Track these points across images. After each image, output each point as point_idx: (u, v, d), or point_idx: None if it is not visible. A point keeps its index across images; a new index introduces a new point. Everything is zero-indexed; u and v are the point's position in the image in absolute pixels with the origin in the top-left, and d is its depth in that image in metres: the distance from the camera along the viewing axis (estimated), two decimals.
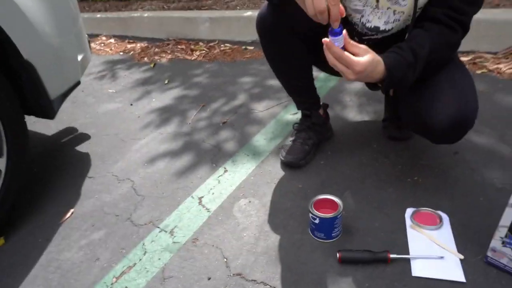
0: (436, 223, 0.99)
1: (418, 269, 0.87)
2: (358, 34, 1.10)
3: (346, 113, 1.65)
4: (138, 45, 3.21)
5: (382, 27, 1.04)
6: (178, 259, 1.00)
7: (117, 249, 1.06)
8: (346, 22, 1.10)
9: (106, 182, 1.38)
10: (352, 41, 0.86)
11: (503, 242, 0.81)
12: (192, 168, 1.40)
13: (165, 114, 1.89)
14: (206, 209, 1.17)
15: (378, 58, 0.88)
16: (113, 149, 1.60)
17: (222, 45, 2.90)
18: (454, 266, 0.87)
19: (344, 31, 0.83)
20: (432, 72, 0.98)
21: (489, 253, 0.85)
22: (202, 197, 1.23)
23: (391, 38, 1.07)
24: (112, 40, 3.44)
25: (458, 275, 0.85)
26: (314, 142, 1.36)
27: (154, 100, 2.08)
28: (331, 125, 1.47)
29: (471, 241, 0.94)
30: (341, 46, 0.83)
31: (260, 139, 1.53)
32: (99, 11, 4.28)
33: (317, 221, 0.96)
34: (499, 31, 2.04)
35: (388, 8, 1.00)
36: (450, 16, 0.92)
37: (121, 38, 3.50)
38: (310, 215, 0.98)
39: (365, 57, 0.85)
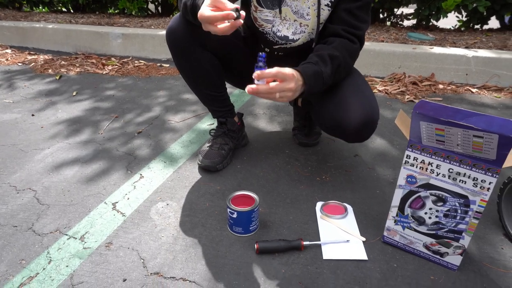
0: (342, 212, 1.09)
1: (328, 253, 0.95)
2: (270, 42, 1.20)
3: (260, 123, 1.74)
4: (41, 57, 2.97)
5: (290, 37, 1.16)
6: (90, 265, 0.93)
7: (15, 260, 0.95)
8: (258, 32, 1.20)
9: (0, 193, 1.23)
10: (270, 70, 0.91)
11: (395, 221, 0.93)
12: (104, 175, 1.33)
13: (74, 125, 1.77)
14: (121, 213, 1.12)
15: (296, 72, 0.97)
16: (10, 160, 1.44)
17: (136, 61, 2.85)
18: (358, 248, 0.97)
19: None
20: (340, 78, 1.11)
21: (385, 233, 0.97)
22: (117, 202, 1.17)
23: (299, 48, 1.20)
24: (8, 51, 3.12)
25: (362, 255, 0.94)
26: (230, 147, 1.40)
27: (60, 111, 1.93)
28: (246, 133, 1.54)
29: (371, 226, 1.05)
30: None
31: (177, 147, 1.53)
32: None
33: (235, 215, 0.99)
34: (385, 60, 2.38)
35: (294, 20, 1.13)
36: (348, 31, 1.08)
37: (20, 49, 3.21)
38: (228, 210, 1.01)
39: (288, 71, 0.93)
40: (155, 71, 2.62)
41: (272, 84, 0.91)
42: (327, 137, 1.57)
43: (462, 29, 3.05)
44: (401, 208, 0.91)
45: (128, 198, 1.19)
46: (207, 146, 1.39)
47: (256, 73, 0.89)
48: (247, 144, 1.53)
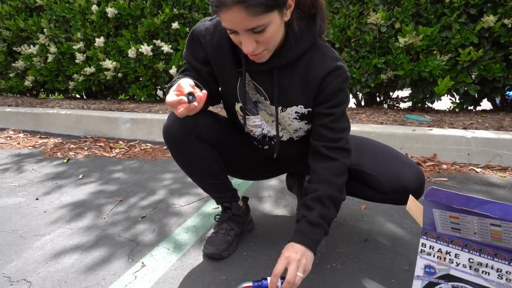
0: None
1: None
2: (260, 142, 1.26)
3: (265, 206, 1.72)
4: (51, 140, 3.07)
5: (278, 135, 1.22)
6: None
7: None
8: (249, 136, 1.30)
9: None
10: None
11: None
12: (105, 264, 1.27)
13: (77, 209, 1.75)
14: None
15: (288, 247, 1.02)
16: (8, 247, 1.40)
17: (143, 144, 2.92)
18: None
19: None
20: (340, 199, 1.11)
21: None
22: None
23: (286, 144, 1.25)
24: (20, 135, 3.23)
25: None
26: (236, 233, 1.36)
27: (65, 194, 1.93)
28: (252, 217, 1.51)
29: None
30: None
31: (181, 232, 1.48)
32: (10, 105, 4.08)
33: None
34: (386, 142, 2.44)
35: (272, 121, 1.19)
36: (328, 147, 1.10)
37: (32, 133, 3.32)
38: None
39: (279, 262, 0.97)
40: (161, 154, 2.67)
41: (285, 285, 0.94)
42: (335, 221, 1.53)
43: (457, 110, 3.17)
44: None
45: None
46: (213, 232, 1.36)
47: None
48: (253, 229, 1.49)
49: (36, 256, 1.33)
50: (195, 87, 1.00)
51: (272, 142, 1.25)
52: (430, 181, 2.00)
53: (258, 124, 1.22)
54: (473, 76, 2.91)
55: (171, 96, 0.96)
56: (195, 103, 0.94)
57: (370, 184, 1.21)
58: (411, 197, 0.91)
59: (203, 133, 1.19)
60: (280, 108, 1.13)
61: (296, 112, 1.13)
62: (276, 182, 2.03)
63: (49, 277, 1.20)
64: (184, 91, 0.96)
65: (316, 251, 1.02)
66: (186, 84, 0.98)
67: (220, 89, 1.25)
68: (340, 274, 1.18)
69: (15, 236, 1.48)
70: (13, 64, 4.58)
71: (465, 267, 0.77)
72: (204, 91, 0.96)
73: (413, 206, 0.89)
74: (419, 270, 0.83)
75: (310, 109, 1.12)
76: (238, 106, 1.20)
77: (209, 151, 1.24)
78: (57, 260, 1.30)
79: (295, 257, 0.95)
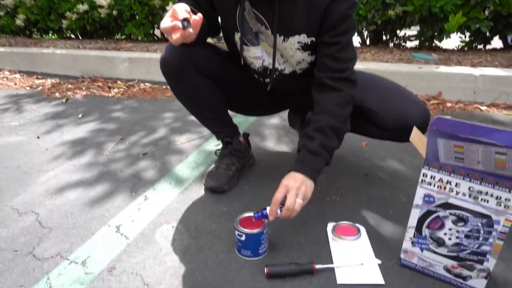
0: (355, 234, 1.05)
1: (342, 277, 0.90)
2: (261, 75, 1.21)
3: (267, 144, 1.72)
4: (49, 81, 3.01)
5: (279, 67, 1.17)
6: None
7: (13, 287, 0.90)
8: (249, 69, 1.24)
9: (2, 216, 1.20)
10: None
11: (412, 242, 0.88)
12: (108, 197, 1.30)
13: (79, 146, 1.75)
14: (125, 237, 1.08)
15: (288, 176, 0.99)
16: (13, 182, 1.42)
17: (142, 84, 2.87)
18: (373, 271, 0.92)
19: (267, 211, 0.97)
20: (343, 130, 1.07)
21: (402, 255, 0.92)
22: (120, 225, 1.13)
23: (292, 80, 1.20)
24: (17, 75, 3.17)
25: (378, 279, 0.89)
26: (237, 167, 1.37)
27: (65, 133, 1.93)
28: (253, 153, 1.51)
29: (386, 248, 1.00)
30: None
31: (183, 168, 1.50)
32: (3, 45, 3.95)
33: (243, 238, 0.95)
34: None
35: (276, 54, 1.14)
36: (333, 78, 1.04)
37: (28, 73, 3.25)
38: (236, 232, 0.96)
39: (279, 190, 0.96)
40: (161, 93, 2.63)
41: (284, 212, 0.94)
42: (335, 157, 1.53)
43: (465, 49, 3.05)
44: (418, 229, 0.86)
45: (132, 221, 1.15)
46: (214, 167, 1.36)
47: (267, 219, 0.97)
48: (254, 164, 1.50)
49: (41, 190, 1.36)
50: (190, 13, 0.94)
51: (274, 76, 1.20)
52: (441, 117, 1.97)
53: (259, 55, 1.17)
54: (486, 12, 2.76)
55: (166, 22, 0.91)
56: (190, 30, 0.90)
57: (373, 120, 1.19)
58: (415, 128, 0.90)
59: (201, 65, 1.15)
60: (282, 38, 1.08)
61: (298, 42, 1.07)
62: (278, 120, 2.02)
63: (56, 209, 1.23)
64: (179, 17, 0.91)
65: (316, 180, 1.01)
66: (181, 9, 0.92)
67: (219, 18, 1.18)
68: (339, 206, 1.21)
69: (19, 172, 1.50)
70: (1, 2, 4.36)
71: (465, 195, 0.77)
72: (200, 15, 0.90)
73: (417, 137, 0.88)
74: (418, 199, 0.84)
75: (313, 39, 1.06)
76: (237, 36, 1.14)
77: (207, 84, 1.20)
78: (62, 194, 1.33)
79: (294, 185, 0.95)
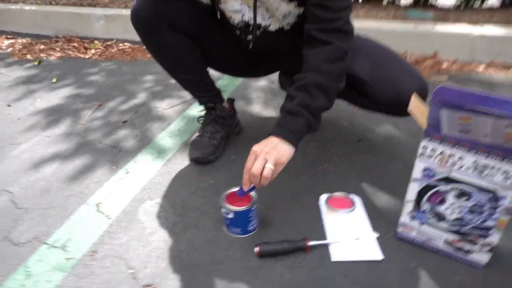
0: (350, 206, 1.00)
1: (337, 254, 0.86)
2: (243, 31, 1.10)
3: (254, 108, 1.63)
4: (19, 41, 2.79)
5: (262, 23, 1.05)
6: (73, 278, 0.83)
7: None
8: (228, 25, 1.12)
9: None
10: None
11: (411, 216, 0.84)
12: (87, 172, 1.22)
13: (53, 115, 1.63)
14: (106, 216, 1.01)
15: (262, 141, 0.90)
16: None
17: (120, 44, 2.68)
18: (371, 246, 0.88)
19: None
20: (333, 88, 0.94)
21: (399, 229, 0.88)
22: (100, 203, 1.06)
23: (274, 40, 1.08)
24: None
25: (375, 254, 0.85)
26: (222, 136, 1.29)
27: (38, 100, 1.79)
28: (239, 120, 1.43)
29: (382, 220, 0.96)
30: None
31: (165, 137, 1.41)
32: None
33: (230, 215, 0.89)
34: (384, 39, 2.25)
35: (258, 7, 1.01)
36: (322, 29, 0.91)
37: None
38: (223, 210, 0.90)
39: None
40: (141, 54, 2.47)
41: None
42: (326, 121, 1.46)
43: (462, 7, 2.90)
44: (417, 203, 0.81)
45: (114, 198, 1.08)
46: (197, 136, 1.28)
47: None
48: (240, 131, 1.42)
49: (15, 165, 1.27)
50: None
51: (257, 33, 1.09)
52: (429, 80, 1.89)
53: (238, 9, 1.04)
54: None
55: None
56: None
57: (364, 92, 1.07)
58: (414, 96, 0.82)
59: (176, 21, 1.03)
60: None
61: None
62: (266, 82, 1.91)
63: (30, 187, 1.15)
64: None
65: (297, 143, 0.90)
66: None
67: None
68: (332, 175, 1.15)
69: None
70: None
71: (468, 169, 0.72)
72: None
73: (416, 106, 0.80)
74: (417, 173, 0.78)
75: None
76: None
77: (182, 41, 1.09)
78: (37, 169, 1.24)
79: (263, 149, 0.85)
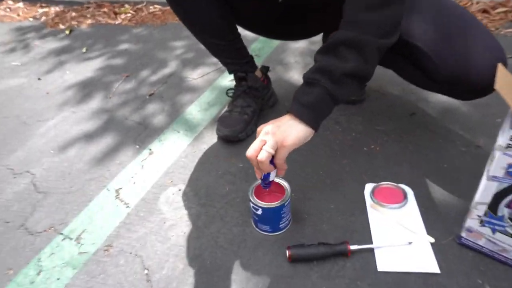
0: (400, 200, 0.84)
1: (385, 262, 0.72)
2: None
3: (291, 75, 1.45)
4: (52, 9, 2.74)
5: None
6: (84, 277, 0.76)
7: (1, 271, 0.80)
8: None
9: None
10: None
11: (481, 221, 0.67)
12: (110, 153, 1.14)
13: (81, 88, 1.57)
14: (125, 204, 0.93)
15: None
16: (12, 135, 1.29)
17: (151, 7, 2.54)
18: (425, 254, 0.72)
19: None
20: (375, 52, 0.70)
21: (463, 234, 0.71)
22: (120, 188, 0.98)
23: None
24: (20, 4, 2.91)
25: (431, 266, 0.70)
26: (255, 109, 1.15)
27: (68, 72, 1.74)
28: (274, 90, 1.27)
29: (439, 218, 0.79)
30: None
31: (194, 111, 1.29)
32: None
33: (259, 211, 0.77)
34: None
35: None
36: None
37: (31, 1, 2.98)
38: (251, 204, 0.78)
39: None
40: (172, 17, 2.32)
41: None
42: (372, 90, 1.26)
43: None
44: (493, 207, 0.64)
45: (134, 183, 1.00)
46: (226, 111, 1.15)
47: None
48: (275, 103, 1.27)
49: (40, 144, 1.22)
50: None
51: None
52: (499, 33, 1.59)
53: None
54: None
55: None
56: None
57: (419, 64, 0.84)
58: (501, 68, 0.62)
59: None
60: None
61: None
62: (305, 44, 1.70)
63: (53, 168, 1.10)
64: None
65: (313, 120, 0.69)
66: None
67: None
68: (379, 158, 0.98)
69: (18, 123, 1.36)
70: None
71: None
72: None
73: (506, 81, 0.60)
74: (498, 170, 0.60)
75: None
76: None
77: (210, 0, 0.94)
78: (61, 149, 1.18)
79: (265, 130, 0.69)
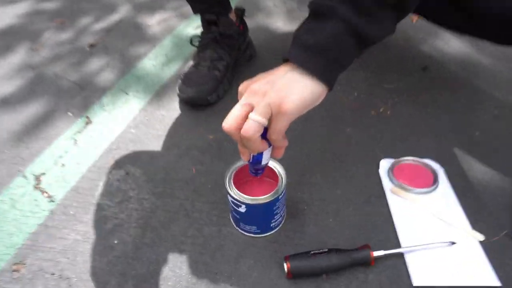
0: (430, 181, 0.62)
1: (421, 274, 0.51)
2: None
3: (272, 22, 1.17)
4: None
5: None
6: None
7: None
8: None
9: None
10: None
11: None
12: (32, 123, 0.84)
13: (3, 39, 1.21)
14: (48, 196, 0.66)
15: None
16: None
17: None
18: (475, 259, 0.52)
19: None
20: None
21: None
22: (43, 174, 0.70)
23: None
24: None
25: (487, 276, 0.50)
26: (228, 63, 0.88)
27: None
28: (252, 39, 0.99)
29: (482, 205, 0.59)
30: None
31: (148, 66, 1.00)
32: None
33: (242, 209, 0.53)
34: None
35: None
36: None
37: None
38: (230, 199, 0.54)
39: None
40: None
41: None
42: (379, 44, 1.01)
43: None
44: None
45: (63, 165, 0.72)
46: (192, 66, 0.87)
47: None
48: (253, 57, 1.00)
49: None
50: None
51: None
52: None
53: None
54: None
55: None
56: None
57: None
58: None
59: None
60: None
61: None
62: None
63: None
64: None
65: (325, 71, 0.43)
66: None
67: None
68: (393, 125, 0.76)
69: None
70: None
71: None
72: None
73: None
74: None
75: None
76: None
77: None
78: None
79: (249, 87, 0.44)
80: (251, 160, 0.47)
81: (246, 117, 0.42)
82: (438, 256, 0.52)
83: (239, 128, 0.42)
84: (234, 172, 0.55)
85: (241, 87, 0.45)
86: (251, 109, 0.42)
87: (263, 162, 0.48)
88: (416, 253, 0.53)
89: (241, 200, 0.51)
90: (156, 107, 0.85)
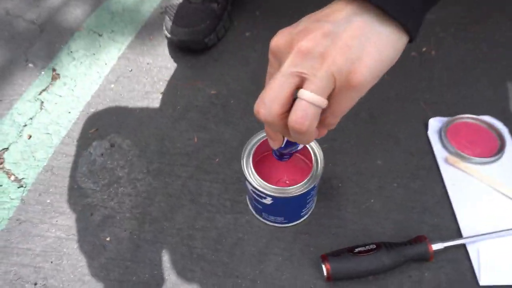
0: (495, 147, 0.50)
1: (490, 270, 0.41)
2: None
3: None
4: None
5: None
6: None
7: None
8: None
9: None
10: None
11: None
12: None
13: None
14: (16, 180, 0.53)
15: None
16: None
17: None
18: None
19: None
20: None
21: None
22: (5, 149, 0.56)
23: None
24: None
25: None
26: None
27: None
28: None
29: None
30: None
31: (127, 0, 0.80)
32: None
33: (267, 201, 0.41)
34: None
35: None
36: None
37: None
38: (250, 187, 0.41)
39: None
40: None
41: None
42: None
43: None
44: None
45: (30, 136, 0.57)
46: None
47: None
48: None
49: None
50: None
51: None
52: None
53: None
54: None
55: None
56: None
57: None
58: None
59: None
60: None
61: None
62: None
63: None
64: None
65: (411, 16, 0.26)
66: None
67: None
68: (441, 70, 0.62)
69: None
70: None
71: None
72: None
73: None
74: None
75: None
76: None
77: None
78: None
79: (281, 45, 0.28)
80: (283, 145, 0.34)
81: (291, 95, 0.27)
82: (508, 247, 0.42)
83: (286, 113, 0.27)
84: (253, 150, 0.42)
85: (278, 41, 0.28)
86: (302, 81, 0.27)
87: (300, 147, 0.34)
88: (482, 244, 0.43)
89: (266, 192, 0.39)
90: (139, 52, 0.68)
